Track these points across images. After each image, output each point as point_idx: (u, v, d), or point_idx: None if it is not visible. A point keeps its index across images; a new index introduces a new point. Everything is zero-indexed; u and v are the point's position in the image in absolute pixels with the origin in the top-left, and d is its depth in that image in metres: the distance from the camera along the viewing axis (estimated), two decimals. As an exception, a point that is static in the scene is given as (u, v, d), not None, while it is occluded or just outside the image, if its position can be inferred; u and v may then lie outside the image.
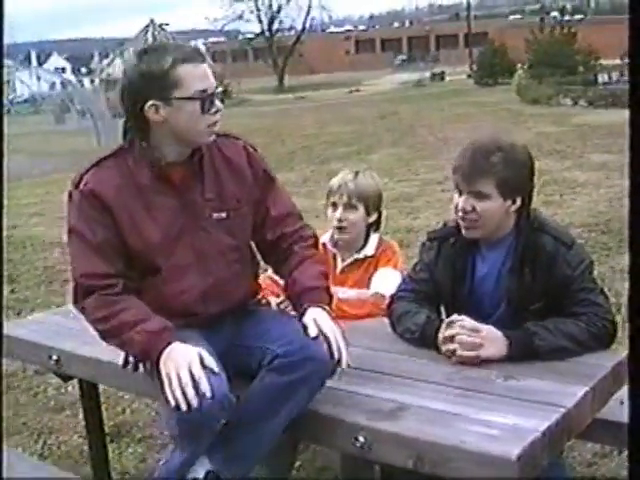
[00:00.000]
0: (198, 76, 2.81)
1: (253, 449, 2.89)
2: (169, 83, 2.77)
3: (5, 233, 9.22)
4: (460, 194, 3.18)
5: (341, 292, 3.80)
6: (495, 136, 3.30)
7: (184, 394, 2.60)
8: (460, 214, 3.18)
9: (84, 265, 2.86)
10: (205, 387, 2.60)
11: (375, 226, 3.93)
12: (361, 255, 3.87)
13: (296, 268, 3.09)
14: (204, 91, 2.82)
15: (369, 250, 3.86)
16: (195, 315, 3.00)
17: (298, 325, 2.93)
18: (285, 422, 2.82)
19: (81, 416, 4.19)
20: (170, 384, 2.63)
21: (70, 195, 2.92)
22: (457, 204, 3.19)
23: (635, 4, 1.71)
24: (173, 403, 2.62)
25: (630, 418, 1.73)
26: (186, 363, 2.64)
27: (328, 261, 3.90)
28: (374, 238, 3.89)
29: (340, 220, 3.83)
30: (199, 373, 2.62)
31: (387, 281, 3.73)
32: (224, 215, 3.01)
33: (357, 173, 3.87)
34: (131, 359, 3.00)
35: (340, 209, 3.83)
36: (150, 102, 2.79)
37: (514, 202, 3.15)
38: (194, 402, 2.59)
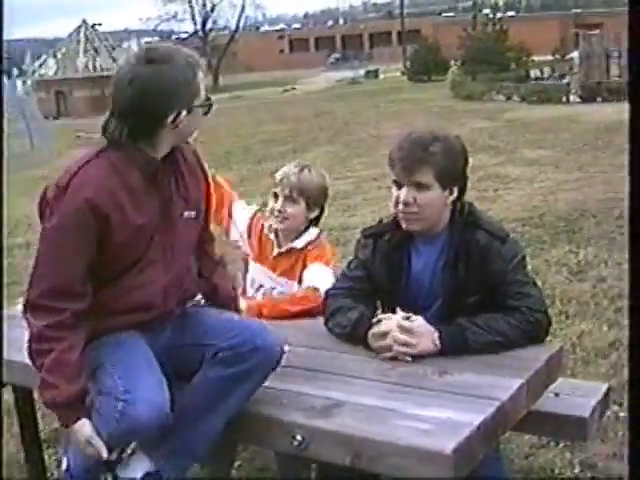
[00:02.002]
0: (204, 83, 2.90)
1: (200, 442, 2.92)
2: (193, 92, 2.84)
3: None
4: (399, 187, 3.19)
5: (276, 284, 3.90)
6: (430, 128, 3.32)
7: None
8: (401, 207, 3.19)
9: (48, 281, 2.79)
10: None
11: (316, 222, 3.97)
12: (290, 246, 3.92)
13: (214, 273, 3.34)
14: (206, 97, 2.92)
15: (298, 243, 3.91)
16: (154, 309, 3.00)
17: (240, 318, 3.09)
18: (231, 413, 2.85)
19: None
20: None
21: (54, 197, 2.77)
22: (397, 197, 3.20)
23: (635, 4, 1.74)
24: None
25: (630, 418, 1.75)
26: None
27: (265, 244, 4.00)
28: (310, 234, 3.92)
29: (280, 211, 3.87)
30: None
31: (318, 276, 3.78)
32: (193, 214, 3.06)
33: (303, 168, 3.92)
34: None
35: (280, 200, 3.88)
36: (176, 110, 2.79)
37: (451, 192, 3.18)
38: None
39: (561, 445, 4.05)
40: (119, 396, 2.70)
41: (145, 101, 2.75)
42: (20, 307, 2.92)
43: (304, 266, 3.84)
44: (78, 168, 2.79)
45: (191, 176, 3.06)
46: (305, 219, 3.91)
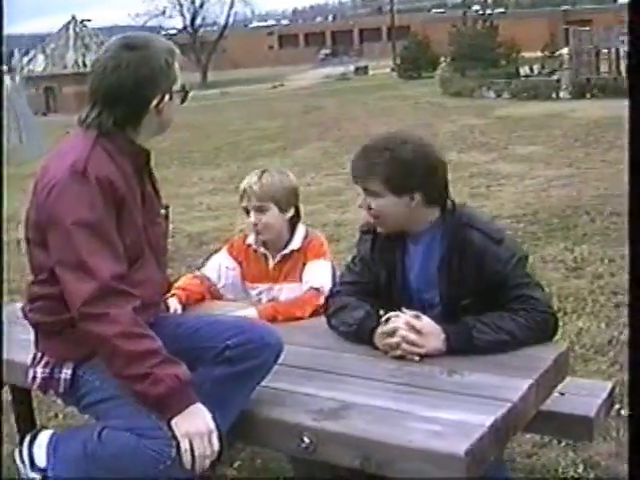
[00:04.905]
0: (179, 71, 2.90)
1: None
2: (173, 77, 2.85)
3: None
4: None
5: (277, 290, 3.87)
6: (388, 135, 3.31)
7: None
8: (364, 210, 3.23)
9: (111, 265, 2.62)
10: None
11: (296, 220, 3.93)
12: (288, 250, 3.89)
13: None
14: (182, 85, 2.92)
15: (295, 244, 3.88)
16: (153, 308, 2.92)
17: (236, 318, 3.11)
18: (238, 411, 2.78)
19: (13, 422, 4.07)
20: (190, 447, 2.61)
21: (72, 182, 2.64)
22: None
23: (635, 4, 1.70)
24: (188, 466, 2.61)
25: (630, 418, 1.73)
26: (207, 434, 2.62)
27: (258, 261, 3.95)
28: (300, 232, 3.91)
29: (255, 224, 3.84)
30: (215, 448, 2.64)
31: (317, 273, 3.76)
32: (164, 212, 3.06)
33: (262, 174, 3.86)
34: (39, 375, 2.87)
35: (252, 213, 3.84)
36: (159, 94, 2.80)
37: (412, 198, 3.13)
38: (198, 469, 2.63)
39: (563, 444, 4.01)
40: (168, 441, 2.60)
41: (131, 86, 2.76)
42: (17, 305, 2.84)
43: (305, 264, 3.82)
44: (87, 153, 2.70)
45: (152, 172, 3.03)
46: (284, 222, 3.87)
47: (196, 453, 2.60)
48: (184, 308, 3.72)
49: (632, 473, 1.94)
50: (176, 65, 2.86)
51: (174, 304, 3.67)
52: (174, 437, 2.60)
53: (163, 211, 3.05)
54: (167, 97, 2.82)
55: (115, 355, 2.59)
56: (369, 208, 3.18)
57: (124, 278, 2.65)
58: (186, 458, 2.60)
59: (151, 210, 2.93)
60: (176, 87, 2.87)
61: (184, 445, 2.59)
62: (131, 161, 2.82)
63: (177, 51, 2.90)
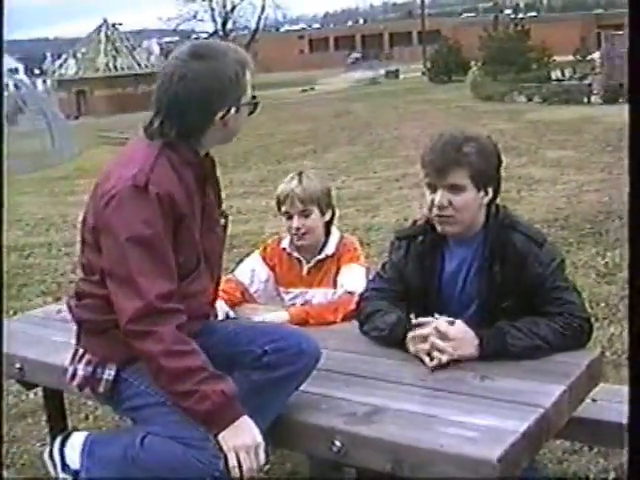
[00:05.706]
0: (251, 82, 2.83)
1: None
2: (242, 89, 2.78)
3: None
4: (434, 190, 3.12)
5: (310, 295, 3.85)
6: (461, 128, 3.27)
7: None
8: (435, 210, 3.12)
9: (159, 285, 2.60)
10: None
11: (330, 223, 3.92)
12: (322, 255, 3.87)
13: None
14: (252, 96, 2.85)
15: (329, 249, 3.86)
16: (203, 318, 2.92)
17: (276, 324, 3.10)
18: (274, 416, 2.76)
19: (44, 423, 4.10)
20: (237, 462, 2.61)
21: (132, 197, 2.61)
22: (432, 200, 3.12)
23: (635, 4, 1.69)
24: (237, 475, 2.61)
25: (630, 418, 1.72)
26: (253, 447, 2.62)
27: (292, 266, 3.93)
28: (334, 237, 3.90)
29: (298, 229, 3.80)
30: (262, 460, 2.64)
31: (352, 277, 3.74)
32: (223, 221, 3.01)
33: (300, 177, 3.83)
34: (81, 373, 2.85)
35: (295, 217, 3.80)
36: (225, 107, 2.74)
37: (486, 193, 3.12)
38: None
39: (594, 451, 3.98)
40: (216, 453, 2.60)
41: (196, 97, 2.69)
42: (52, 307, 2.84)
43: (338, 269, 3.80)
44: (150, 166, 2.67)
45: (215, 178, 2.99)
46: (323, 225, 3.86)
47: (244, 467, 2.60)
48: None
49: (632, 473, 1.92)
50: (247, 76, 2.79)
51: (224, 307, 3.66)
52: (222, 450, 2.60)
53: (223, 220, 3.01)
54: (233, 109, 2.75)
55: (160, 372, 2.60)
56: (447, 205, 3.08)
57: (172, 296, 2.63)
58: (234, 472, 2.60)
59: (210, 219, 2.90)
60: (245, 99, 2.80)
61: (232, 460, 2.59)
62: (193, 171, 2.78)
63: (250, 62, 2.81)
